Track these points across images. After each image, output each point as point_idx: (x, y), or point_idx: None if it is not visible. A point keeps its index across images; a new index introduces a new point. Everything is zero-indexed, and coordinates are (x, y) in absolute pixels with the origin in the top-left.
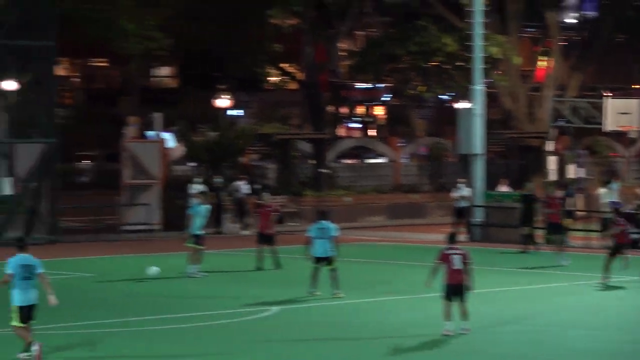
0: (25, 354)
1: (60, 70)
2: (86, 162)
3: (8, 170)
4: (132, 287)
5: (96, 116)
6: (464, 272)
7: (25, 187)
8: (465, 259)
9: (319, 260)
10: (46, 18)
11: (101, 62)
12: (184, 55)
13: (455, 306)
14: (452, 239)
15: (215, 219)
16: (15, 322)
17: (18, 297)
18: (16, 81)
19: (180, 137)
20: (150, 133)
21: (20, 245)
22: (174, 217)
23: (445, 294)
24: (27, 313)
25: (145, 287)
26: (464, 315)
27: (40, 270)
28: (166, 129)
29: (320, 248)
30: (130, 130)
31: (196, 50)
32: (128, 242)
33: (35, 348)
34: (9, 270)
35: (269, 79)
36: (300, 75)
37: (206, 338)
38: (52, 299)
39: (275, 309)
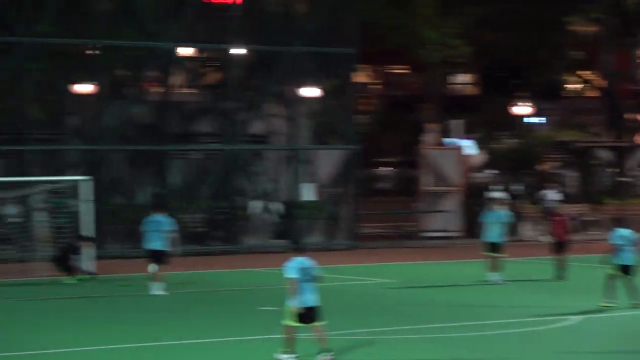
0: (322, 355)
1: (360, 77)
2: (385, 169)
3: (310, 176)
4: (430, 294)
5: (395, 123)
6: None
7: (327, 193)
8: None
9: (625, 268)
10: (349, 26)
11: (401, 69)
12: (484, 63)
13: None
14: None
15: (513, 227)
16: (289, 322)
17: (298, 299)
18: (317, 88)
19: (480, 144)
20: (448, 140)
21: (298, 248)
22: (474, 225)
23: None
24: (307, 315)
25: (443, 294)
26: None
27: (317, 273)
28: (465, 136)
29: (628, 256)
30: (429, 137)
31: (496, 57)
32: (427, 248)
33: (326, 357)
34: (291, 274)
35: (567, 86)
36: (599, 83)
37: (505, 345)
38: None
39: (575, 318)
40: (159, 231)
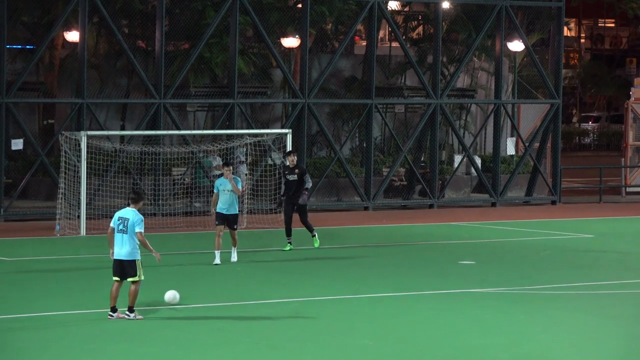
0: None
1: (567, 31)
2: (589, 124)
3: (512, 130)
4: (633, 248)
5: (601, 77)
6: None
7: (529, 148)
8: None
9: None
10: None
11: (609, 23)
12: None
13: None
14: None
15: None
16: None
17: None
18: (524, 42)
19: None
20: None
21: None
22: None
23: None
24: None
25: None
26: None
27: None
28: None
29: None
30: (635, 92)
31: None
32: (630, 204)
33: None
34: None
35: None
36: None
37: None
38: None
39: None
40: None
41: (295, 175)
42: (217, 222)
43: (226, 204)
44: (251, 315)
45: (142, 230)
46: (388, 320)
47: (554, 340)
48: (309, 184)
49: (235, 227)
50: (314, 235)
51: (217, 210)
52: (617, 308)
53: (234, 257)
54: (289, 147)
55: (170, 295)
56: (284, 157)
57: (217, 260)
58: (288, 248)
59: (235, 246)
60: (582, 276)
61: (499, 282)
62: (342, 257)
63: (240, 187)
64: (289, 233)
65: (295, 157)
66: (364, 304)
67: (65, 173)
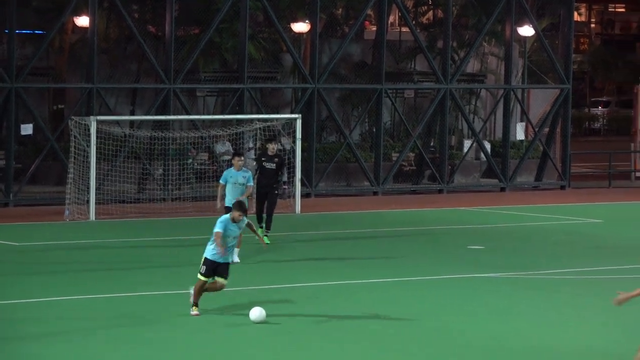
0: None
1: (577, 16)
2: (599, 108)
3: (522, 115)
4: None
5: (612, 62)
6: None
7: (539, 133)
8: None
9: None
10: None
11: (619, 8)
12: None
13: None
14: None
15: None
16: None
17: None
18: (534, 27)
19: None
20: None
21: None
22: None
23: None
24: None
25: None
26: None
27: None
28: None
29: None
30: None
31: None
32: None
33: None
34: None
35: None
36: None
37: None
38: None
39: None
40: None
41: (274, 165)
42: None
43: (235, 198)
44: (264, 300)
45: (216, 230)
46: (397, 305)
47: (563, 326)
48: (285, 178)
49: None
50: (267, 234)
51: (227, 205)
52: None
53: (236, 258)
54: (298, 133)
55: (257, 314)
56: (266, 142)
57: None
58: (261, 232)
59: (239, 247)
60: (589, 262)
61: (508, 266)
62: (351, 240)
63: (250, 184)
64: (260, 220)
65: (277, 146)
66: (374, 289)
67: (74, 158)
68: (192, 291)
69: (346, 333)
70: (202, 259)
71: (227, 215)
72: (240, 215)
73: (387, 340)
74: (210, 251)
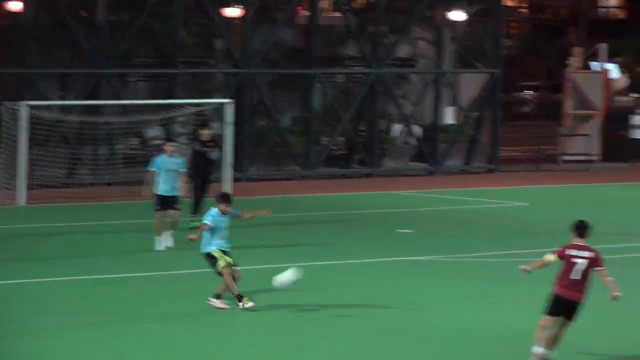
0: None
1: (507, 1)
2: (528, 92)
3: (452, 100)
4: (565, 216)
5: (541, 47)
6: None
7: (468, 117)
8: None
9: None
10: None
11: None
12: None
13: None
14: None
15: None
16: None
17: None
18: (464, 12)
19: (623, 68)
20: (594, 64)
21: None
22: (614, 148)
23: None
24: None
25: (581, 216)
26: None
27: None
28: (610, 60)
29: None
30: (574, 61)
31: None
32: (566, 172)
33: None
34: None
35: None
36: None
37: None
38: None
39: None
40: None
41: (209, 149)
42: (158, 207)
43: (169, 185)
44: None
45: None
46: (336, 288)
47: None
48: (216, 157)
49: (178, 207)
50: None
51: (160, 193)
52: (539, 274)
53: (170, 242)
54: (229, 118)
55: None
56: (200, 128)
57: (164, 246)
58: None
59: (175, 229)
60: (512, 244)
61: (434, 250)
62: (282, 225)
63: (182, 170)
64: (198, 206)
65: (211, 131)
66: (313, 272)
67: (5, 144)
68: (215, 300)
69: (281, 318)
70: (205, 254)
71: (216, 209)
72: (227, 207)
73: (305, 327)
74: (208, 245)
